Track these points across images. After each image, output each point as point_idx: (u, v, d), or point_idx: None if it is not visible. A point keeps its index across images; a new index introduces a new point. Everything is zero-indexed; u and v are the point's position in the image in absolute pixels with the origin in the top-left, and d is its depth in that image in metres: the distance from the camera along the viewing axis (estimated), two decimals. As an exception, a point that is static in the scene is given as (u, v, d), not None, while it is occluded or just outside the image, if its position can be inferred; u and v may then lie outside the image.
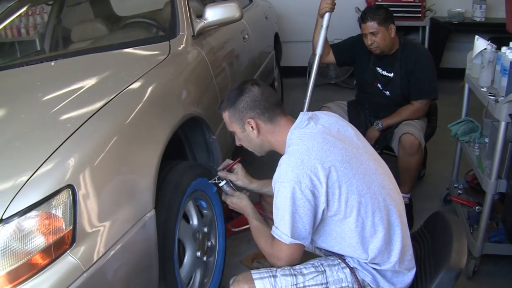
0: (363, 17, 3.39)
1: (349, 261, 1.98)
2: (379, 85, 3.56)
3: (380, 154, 2.93)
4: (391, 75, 3.48)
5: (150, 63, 2.58)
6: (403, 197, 3.31)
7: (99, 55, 2.87)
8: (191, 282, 2.54)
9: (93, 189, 1.79)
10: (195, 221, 2.56)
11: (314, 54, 3.34)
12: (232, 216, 3.32)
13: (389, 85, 3.51)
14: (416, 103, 3.45)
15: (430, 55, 3.50)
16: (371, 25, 3.34)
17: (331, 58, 3.66)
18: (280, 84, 5.81)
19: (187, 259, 2.46)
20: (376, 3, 5.93)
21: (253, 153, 2.21)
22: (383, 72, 3.52)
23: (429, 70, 3.43)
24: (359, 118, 3.62)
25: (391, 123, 3.49)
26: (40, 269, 1.62)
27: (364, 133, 3.48)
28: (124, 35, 3.56)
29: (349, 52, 3.68)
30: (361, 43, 3.52)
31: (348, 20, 6.36)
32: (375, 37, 3.36)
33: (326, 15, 3.22)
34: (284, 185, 1.82)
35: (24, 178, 1.66)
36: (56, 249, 1.66)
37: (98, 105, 2.06)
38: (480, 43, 3.00)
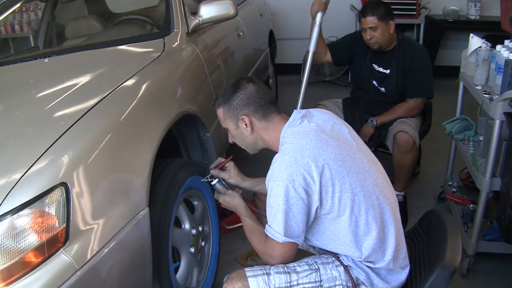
0: (364, 12, 3.39)
1: (343, 259, 1.98)
2: (374, 82, 3.55)
3: (374, 152, 2.94)
4: (387, 71, 3.48)
5: (145, 60, 2.57)
6: (397, 195, 3.32)
7: (93, 52, 2.86)
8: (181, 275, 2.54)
9: (87, 187, 1.78)
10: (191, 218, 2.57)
11: (308, 52, 3.34)
12: (226, 214, 3.32)
13: (385, 81, 3.50)
14: (411, 101, 3.45)
15: (428, 54, 3.49)
16: (371, 20, 3.34)
17: (328, 57, 3.66)
18: (274, 82, 5.80)
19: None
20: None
21: (246, 151, 2.21)
22: (379, 68, 3.51)
23: (426, 68, 3.42)
24: (354, 115, 3.61)
25: (386, 120, 3.48)
26: (33, 267, 1.61)
27: (358, 130, 3.48)
28: (118, 32, 3.55)
29: (346, 50, 3.67)
30: (358, 40, 3.53)
31: (343, 17, 6.37)
32: (374, 32, 3.36)
33: (319, 15, 3.22)
34: (278, 183, 1.82)
35: (17, 176, 1.66)
36: (50, 247, 1.65)
37: (92, 102, 2.05)
38: (475, 41, 3.01)
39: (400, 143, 3.27)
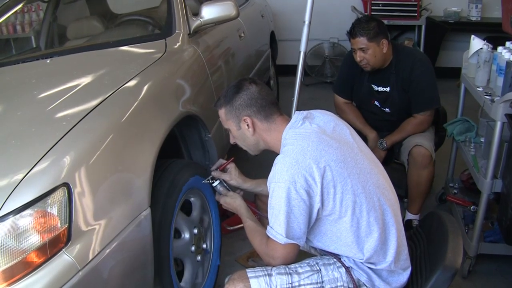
0: (352, 32, 3.11)
1: (344, 260, 1.98)
2: (376, 103, 3.34)
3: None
4: (388, 89, 3.25)
5: (146, 61, 2.57)
6: (412, 218, 3.22)
7: (95, 52, 2.87)
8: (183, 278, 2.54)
9: (89, 187, 1.79)
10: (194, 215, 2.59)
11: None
12: (227, 215, 3.32)
13: (387, 101, 3.28)
14: (419, 115, 3.20)
15: (427, 59, 3.24)
16: (360, 41, 3.06)
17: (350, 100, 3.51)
18: (275, 83, 5.80)
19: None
20: (372, 2, 5.93)
21: (247, 153, 2.21)
22: (379, 88, 3.29)
23: (427, 77, 3.15)
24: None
25: (396, 140, 3.26)
26: (35, 267, 1.62)
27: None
28: (120, 33, 3.55)
29: (349, 80, 3.45)
30: (353, 60, 3.27)
31: (344, 19, 6.36)
32: (364, 54, 3.10)
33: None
34: (279, 185, 1.82)
35: (20, 176, 1.66)
36: (52, 248, 1.66)
37: (94, 103, 2.05)
38: (476, 43, 3.01)
39: (416, 158, 3.06)
